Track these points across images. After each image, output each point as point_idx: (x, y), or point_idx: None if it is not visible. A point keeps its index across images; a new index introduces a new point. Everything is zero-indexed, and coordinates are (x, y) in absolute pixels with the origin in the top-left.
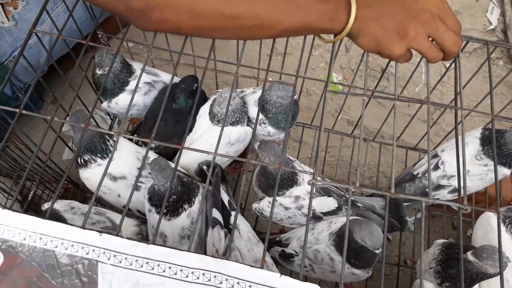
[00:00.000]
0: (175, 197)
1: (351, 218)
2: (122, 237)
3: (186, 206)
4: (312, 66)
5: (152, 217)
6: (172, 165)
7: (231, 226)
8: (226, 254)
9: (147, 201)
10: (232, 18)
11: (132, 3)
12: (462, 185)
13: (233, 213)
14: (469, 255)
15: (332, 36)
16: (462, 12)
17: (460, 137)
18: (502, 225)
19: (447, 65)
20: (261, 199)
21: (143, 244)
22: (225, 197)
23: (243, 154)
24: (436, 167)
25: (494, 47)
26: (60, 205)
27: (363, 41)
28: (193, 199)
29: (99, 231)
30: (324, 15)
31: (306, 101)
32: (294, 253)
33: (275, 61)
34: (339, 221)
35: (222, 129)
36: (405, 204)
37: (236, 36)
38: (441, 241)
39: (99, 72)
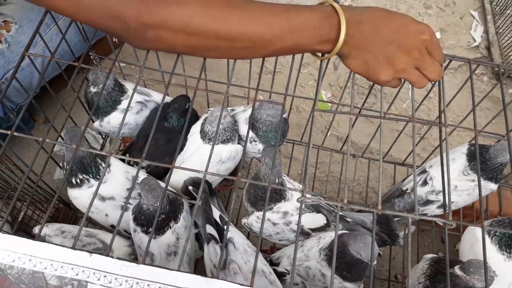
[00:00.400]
0: (163, 216)
1: (343, 232)
2: (112, 257)
3: (172, 223)
4: (301, 83)
5: (138, 237)
6: (162, 184)
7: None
8: (223, 267)
9: (132, 221)
10: (225, 39)
11: (128, 22)
12: (447, 201)
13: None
14: (457, 270)
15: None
16: (447, 29)
17: (444, 154)
18: (487, 237)
19: (433, 82)
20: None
21: (134, 264)
22: (216, 213)
23: (234, 171)
24: (425, 183)
25: (476, 65)
26: (51, 229)
27: (351, 63)
28: (179, 215)
29: (89, 252)
30: (316, 39)
31: (295, 118)
32: (286, 271)
33: (265, 79)
34: (328, 236)
35: (212, 147)
36: (396, 219)
37: (228, 56)
38: (429, 255)
39: (93, 90)
